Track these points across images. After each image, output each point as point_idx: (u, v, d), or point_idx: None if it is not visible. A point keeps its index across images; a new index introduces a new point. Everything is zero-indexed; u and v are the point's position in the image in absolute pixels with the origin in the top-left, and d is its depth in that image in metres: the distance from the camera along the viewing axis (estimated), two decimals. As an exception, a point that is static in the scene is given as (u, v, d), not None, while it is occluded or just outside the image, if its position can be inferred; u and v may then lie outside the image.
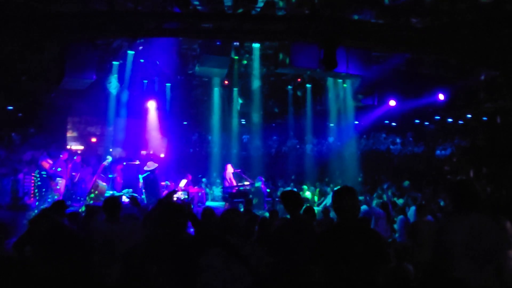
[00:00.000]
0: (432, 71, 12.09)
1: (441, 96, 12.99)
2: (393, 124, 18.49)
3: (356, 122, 16.32)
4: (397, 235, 7.68)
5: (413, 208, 7.66)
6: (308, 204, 11.05)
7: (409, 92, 13.05)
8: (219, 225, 3.56)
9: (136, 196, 8.01)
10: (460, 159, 16.04)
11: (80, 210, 10.00)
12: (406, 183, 14.18)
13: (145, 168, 12.14)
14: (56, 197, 10.80)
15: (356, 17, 8.77)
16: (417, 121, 18.13)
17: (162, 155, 15.72)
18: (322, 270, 2.96)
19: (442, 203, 10.66)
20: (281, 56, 10.35)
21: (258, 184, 12.86)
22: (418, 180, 15.16)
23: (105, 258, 4.02)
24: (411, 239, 5.87)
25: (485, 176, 12.88)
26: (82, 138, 16.64)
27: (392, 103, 13.22)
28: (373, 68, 10.97)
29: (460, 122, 17.24)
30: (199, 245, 3.57)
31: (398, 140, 18.74)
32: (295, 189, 14.40)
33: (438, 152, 17.50)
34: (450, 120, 17.36)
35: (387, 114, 15.33)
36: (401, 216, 7.64)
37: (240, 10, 8.86)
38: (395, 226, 7.84)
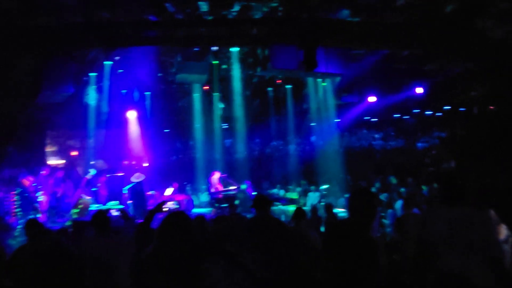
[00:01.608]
0: (409, 65, 12.30)
1: (419, 90, 13.24)
2: (374, 119, 18.72)
3: (337, 120, 16.46)
4: (388, 229, 7.78)
5: (399, 202, 7.78)
6: (296, 205, 11.10)
7: (388, 87, 13.28)
8: (214, 233, 3.54)
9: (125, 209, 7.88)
10: (441, 151, 16.32)
11: (65, 225, 9.80)
12: (393, 180, 14.34)
13: (132, 179, 11.92)
14: (39, 215, 10.53)
15: (330, 15, 8.85)
16: (396, 115, 18.42)
17: (145, 164, 15.52)
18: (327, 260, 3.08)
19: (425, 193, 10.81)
20: (260, 58, 10.38)
21: (244, 188, 12.81)
22: (401, 174, 15.36)
23: (98, 274, 3.95)
24: (399, 233, 5.94)
25: (467, 165, 13.13)
26: (62, 152, 16.27)
27: (372, 99, 13.41)
28: (352, 66, 11.11)
29: (438, 114, 17.57)
30: (197, 254, 3.54)
31: (379, 136, 18.97)
32: (281, 191, 14.50)
33: (419, 144, 17.79)
34: (429, 112, 17.69)
35: (367, 110, 15.52)
36: (390, 210, 7.73)
37: (213, 17, 8.85)
38: (384, 221, 7.95)
